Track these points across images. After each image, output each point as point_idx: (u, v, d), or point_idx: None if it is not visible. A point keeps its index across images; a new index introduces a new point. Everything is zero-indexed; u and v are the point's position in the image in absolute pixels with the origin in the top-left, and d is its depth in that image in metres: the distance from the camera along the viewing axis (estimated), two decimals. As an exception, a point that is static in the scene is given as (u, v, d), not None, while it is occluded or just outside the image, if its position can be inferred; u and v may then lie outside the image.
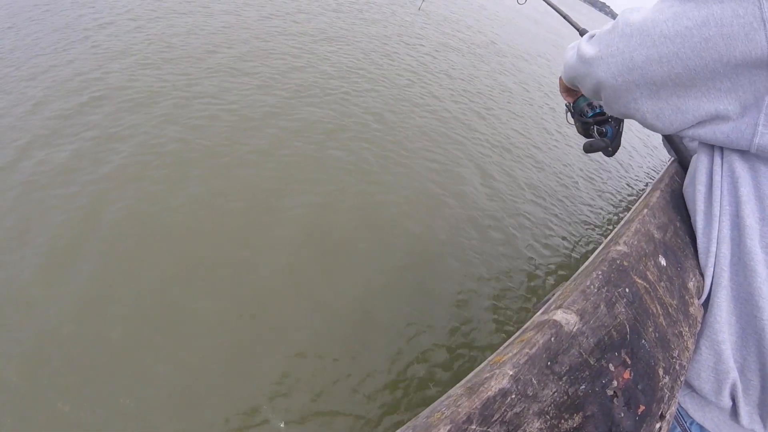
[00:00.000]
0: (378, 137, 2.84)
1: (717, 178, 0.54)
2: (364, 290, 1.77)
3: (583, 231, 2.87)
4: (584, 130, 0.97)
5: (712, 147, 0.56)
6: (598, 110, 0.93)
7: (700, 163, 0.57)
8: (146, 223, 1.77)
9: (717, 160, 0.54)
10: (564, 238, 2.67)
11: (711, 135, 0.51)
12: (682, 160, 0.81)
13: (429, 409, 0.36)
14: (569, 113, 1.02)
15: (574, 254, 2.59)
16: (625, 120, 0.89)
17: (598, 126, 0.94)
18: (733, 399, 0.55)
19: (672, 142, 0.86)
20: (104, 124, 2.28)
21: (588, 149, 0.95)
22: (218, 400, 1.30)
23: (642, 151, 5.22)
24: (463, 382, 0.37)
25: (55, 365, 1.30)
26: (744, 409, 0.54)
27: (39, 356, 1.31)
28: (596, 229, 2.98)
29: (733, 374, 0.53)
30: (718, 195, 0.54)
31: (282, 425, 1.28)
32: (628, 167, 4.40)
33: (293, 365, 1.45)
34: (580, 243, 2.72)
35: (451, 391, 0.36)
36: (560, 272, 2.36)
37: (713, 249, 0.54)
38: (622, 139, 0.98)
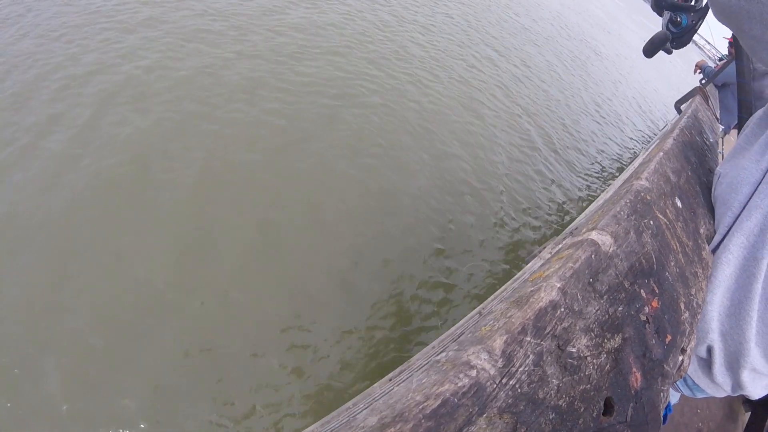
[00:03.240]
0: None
1: None
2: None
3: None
4: (657, 7, 0.85)
5: None
6: None
7: None
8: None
9: None
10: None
11: None
12: (745, 107, 0.73)
13: (463, 326, 0.34)
14: None
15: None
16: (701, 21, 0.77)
17: (674, 12, 0.81)
18: (710, 353, 0.55)
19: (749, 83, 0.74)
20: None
21: (648, 52, 0.83)
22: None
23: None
24: (502, 296, 0.35)
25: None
26: (717, 367, 0.54)
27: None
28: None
29: (712, 336, 0.53)
30: None
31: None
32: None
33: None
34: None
35: (490, 306, 0.34)
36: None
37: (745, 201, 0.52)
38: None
